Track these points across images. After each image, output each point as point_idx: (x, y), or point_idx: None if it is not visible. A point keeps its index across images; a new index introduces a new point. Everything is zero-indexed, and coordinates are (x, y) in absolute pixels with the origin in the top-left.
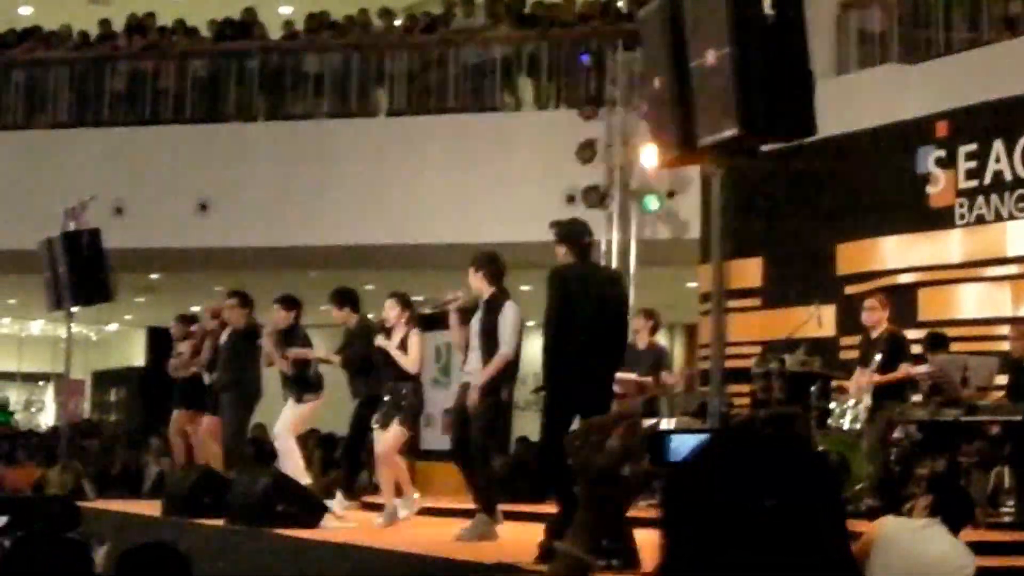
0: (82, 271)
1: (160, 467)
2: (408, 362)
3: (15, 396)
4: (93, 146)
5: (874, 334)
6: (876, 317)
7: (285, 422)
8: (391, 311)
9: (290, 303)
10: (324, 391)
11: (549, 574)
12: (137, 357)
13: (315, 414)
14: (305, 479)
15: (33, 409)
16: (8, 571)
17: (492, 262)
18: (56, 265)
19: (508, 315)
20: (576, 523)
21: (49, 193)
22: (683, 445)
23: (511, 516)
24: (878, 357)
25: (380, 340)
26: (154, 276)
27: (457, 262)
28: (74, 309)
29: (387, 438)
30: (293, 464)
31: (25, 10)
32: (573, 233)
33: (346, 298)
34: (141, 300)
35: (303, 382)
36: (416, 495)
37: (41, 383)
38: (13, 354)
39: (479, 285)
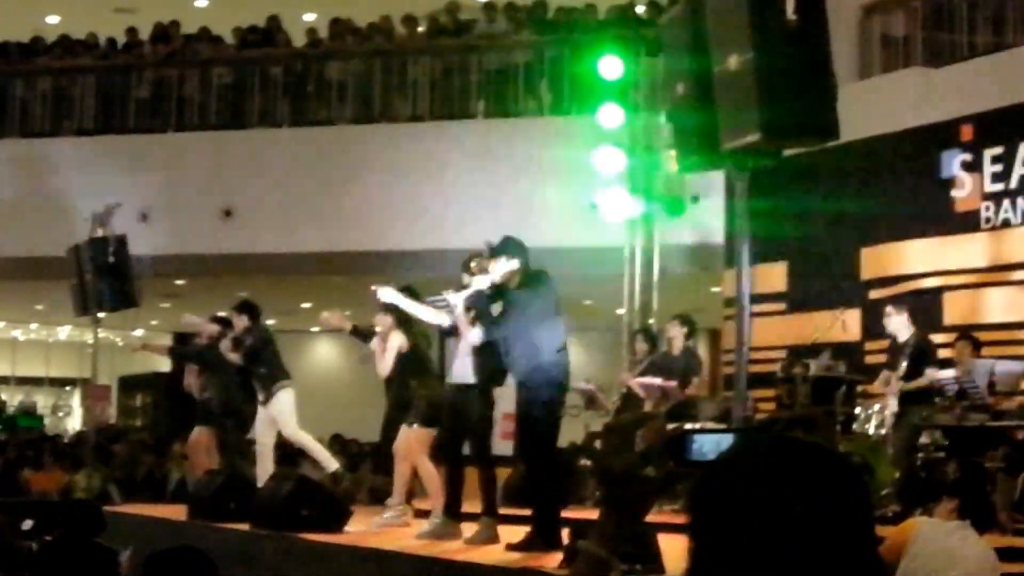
0: (108, 277)
1: (182, 472)
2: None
3: (43, 401)
4: (119, 153)
5: (901, 339)
6: (893, 323)
7: (284, 423)
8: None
9: (243, 308)
10: (292, 378)
11: (572, 574)
12: (162, 363)
13: (294, 400)
14: (333, 464)
15: (60, 414)
16: (37, 574)
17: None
18: (83, 271)
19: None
20: (599, 524)
21: (75, 200)
22: (706, 444)
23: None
24: (904, 362)
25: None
26: (179, 282)
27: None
28: (101, 315)
29: (410, 438)
30: (317, 451)
31: (52, 19)
32: (524, 251)
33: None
34: (166, 306)
35: (263, 378)
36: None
37: (68, 388)
38: (41, 359)
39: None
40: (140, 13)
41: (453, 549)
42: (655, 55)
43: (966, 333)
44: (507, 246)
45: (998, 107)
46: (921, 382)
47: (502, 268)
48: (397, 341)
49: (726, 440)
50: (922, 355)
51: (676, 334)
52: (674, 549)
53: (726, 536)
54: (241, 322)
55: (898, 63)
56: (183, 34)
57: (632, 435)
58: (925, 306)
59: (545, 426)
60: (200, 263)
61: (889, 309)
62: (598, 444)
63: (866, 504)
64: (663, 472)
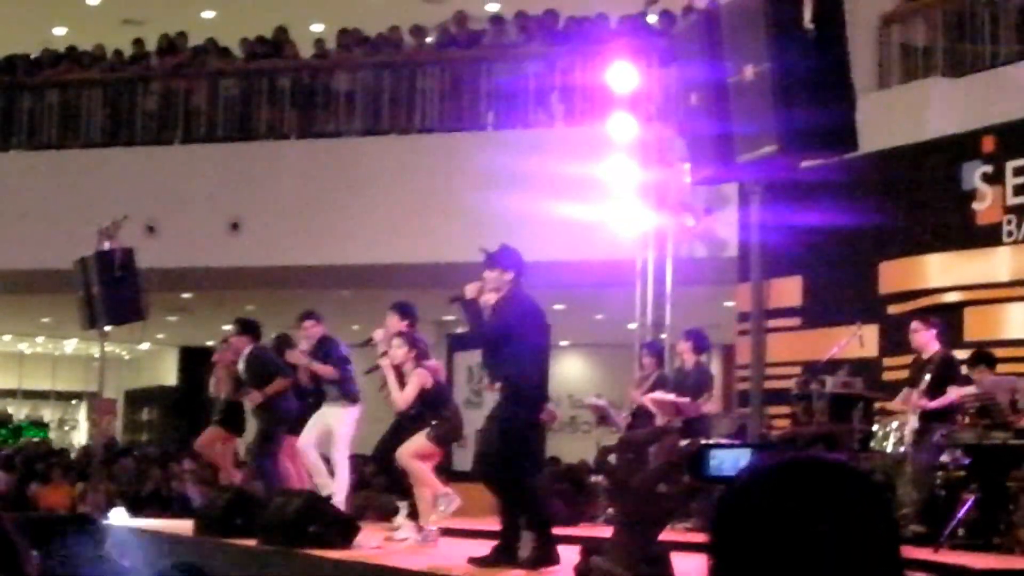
0: (115, 290)
1: (183, 488)
2: (400, 398)
3: (49, 414)
4: (126, 166)
5: (925, 355)
6: (920, 339)
7: (340, 436)
8: (399, 351)
9: (317, 318)
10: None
11: None
12: (169, 376)
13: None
14: (328, 488)
15: (67, 428)
16: None
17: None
18: (90, 284)
19: None
20: (614, 541)
21: (82, 213)
22: (724, 460)
23: None
24: (927, 379)
25: (384, 361)
26: (186, 295)
27: None
28: (107, 328)
29: (411, 444)
30: (317, 471)
31: (59, 31)
32: (521, 263)
33: (407, 311)
34: (173, 319)
35: (351, 389)
36: (434, 522)
37: (74, 402)
38: (47, 373)
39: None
40: (147, 25)
41: (466, 565)
42: (668, 65)
43: (980, 352)
44: (502, 256)
45: (1021, 118)
46: (944, 400)
47: (493, 279)
48: (417, 376)
49: (744, 456)
50: (946, 373)
51: (685, 348)
52: (688, 568)
53: (748, 555)
54: (318, 330)
55: (918, 73)
56: (190, 46)
57: (646, 451)
58: (945, 321)
59: (512, 451)
60: (207, 276)
61: (916, 324)
62: (612, 459)
63: (891, 523)
64: (678, 489)
